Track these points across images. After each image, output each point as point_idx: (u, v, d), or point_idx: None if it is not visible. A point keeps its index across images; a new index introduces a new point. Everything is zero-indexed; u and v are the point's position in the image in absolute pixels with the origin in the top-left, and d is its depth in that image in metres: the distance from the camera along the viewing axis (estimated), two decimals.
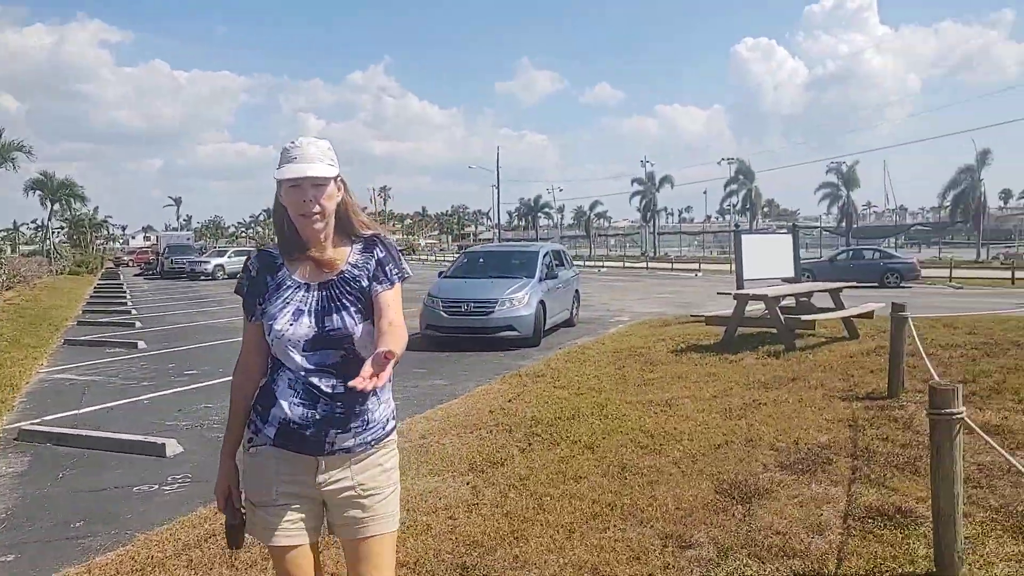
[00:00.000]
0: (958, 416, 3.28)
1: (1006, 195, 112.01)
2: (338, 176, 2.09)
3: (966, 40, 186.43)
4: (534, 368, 9.19)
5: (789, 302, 11.60)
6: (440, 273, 13.55)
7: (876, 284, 25.41)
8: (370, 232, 2.18)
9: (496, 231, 78.28)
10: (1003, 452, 3.26)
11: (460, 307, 11.30)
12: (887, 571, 3.48)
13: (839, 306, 11.06)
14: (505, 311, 11.20)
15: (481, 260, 13.73)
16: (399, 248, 2.25)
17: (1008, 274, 28.89)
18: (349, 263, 2.12)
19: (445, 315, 11.37)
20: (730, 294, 10.62)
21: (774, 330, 10.25)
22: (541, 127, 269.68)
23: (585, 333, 13.10)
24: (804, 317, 9.94)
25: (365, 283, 2.09)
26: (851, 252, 30.34)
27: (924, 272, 28.94)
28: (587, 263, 53.88)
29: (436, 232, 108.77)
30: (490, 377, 8.82)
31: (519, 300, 11.37)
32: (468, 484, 4.82)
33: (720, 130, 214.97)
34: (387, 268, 2.12)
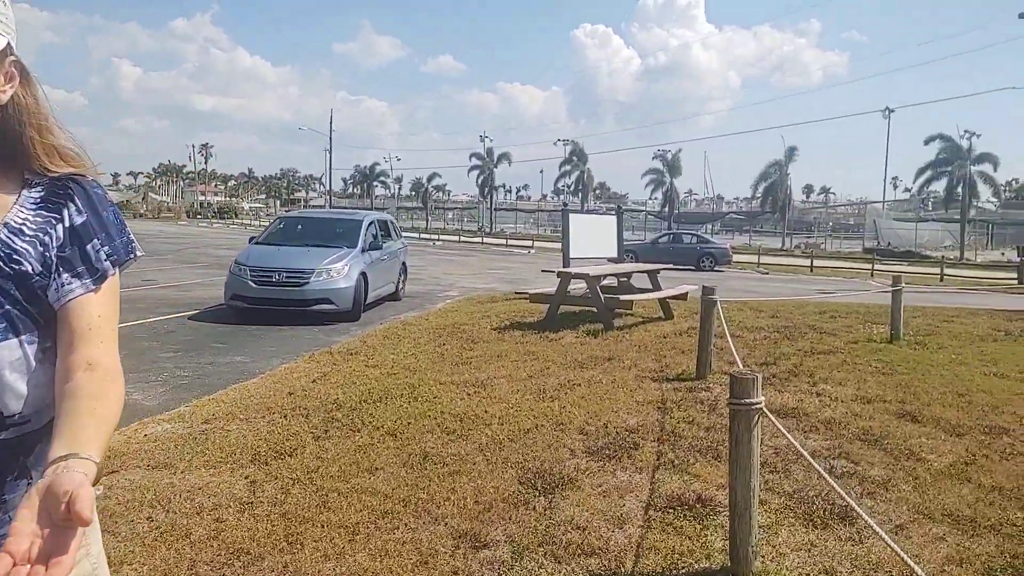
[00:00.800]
0: (757, 406, 3.16)
1: (808, 190, 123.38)
2: (11, 52, 1.15)
3: (780, 44, 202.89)
4: (348, 345, 8.61)
5: (610, 282, 11.75)
6: (251, 239, 12.47)
7: (693, 267, 26.85)
8: (66, 171, 1.22)
9: (328, 197, 75.59)
10: (796, 444, 3.17)
11: (271, 276, 10.41)
12: (684, 567, 3.34)
13: (656, 287, 11.33)
14: (322, 282, 10.46)
15: (299, 227, 12.80)
16: (113, 206, 1.28)
17: (808, 262, 31.60)
18: (8, 222, 1.16)
19: (253, 284, 10.43)
20: (554, 272, 10.55)
21: (595, 309, 10.30)
22: (381, 93, 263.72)
23: (411, 308, 12.64)
24: (623, 297, 10.06)
25: (31, 266, 1.14)
26: (671, 236, 31.90)
27: (736, 257, 31.01)
28: (423, 236, 53.29)
29: (263, 196, 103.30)
30: (298, 354, 8.15)
31: (338, 271, 10.67)
32: (246, 479, 4.24)
33: (558, 111, 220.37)
34: (89, 244, 1.20)
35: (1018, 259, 23.95)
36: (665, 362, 7.82)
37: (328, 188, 77.93)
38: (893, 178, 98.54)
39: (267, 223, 21.04)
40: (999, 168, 41.44)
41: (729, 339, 6.87)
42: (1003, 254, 39.89)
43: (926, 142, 41.26)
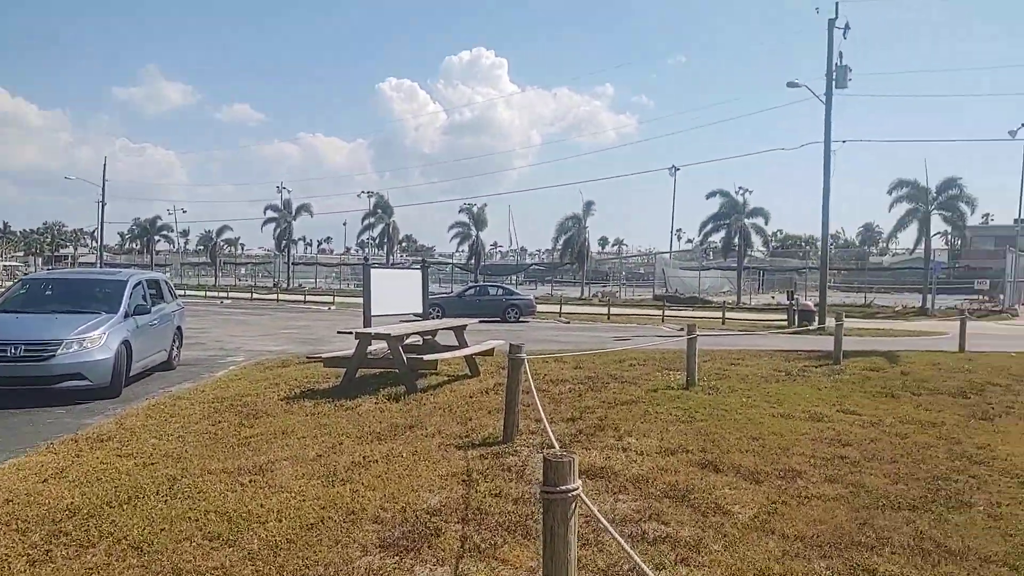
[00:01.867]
0: (574, 493, 2.71)
1: (603, 241, 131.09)
2: None
3: (577, 105, 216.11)
4: (100, 429, 7.28)
5: (415, 340, 11.18)
6: None
7: (499, 319, 26.96)
8: None
9: (99, 254, 68.70)
10: (620, 540, 2.75)
11: (5, 351, 8.72)
12: None
13: (462, 344, 10.90)
14: (72, 355, 8.90)
15: (47, 290, 10.97)
16: None
17: (605, 310, 32.98)
18: None
19: None
20: (351, 332, 9.79)
21: (397, 371, 9.65)
22: (168, 142, 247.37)
23: (186, 378, 11.24)
24: (427, 357, 9.49)
25: None
26: (478, 288, 32.01)
27: (540, 307, 31.66)
28: (209, 293, 49.84)
29: (21, 253, 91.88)
30: (33, 444, 6.73)
31: (93, 340, 9.18)
32: None
33: (363, 163, 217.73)
34: None
35: (788, 302, 26.38)
36: (471, 425, 7.32)
37: (100, 243, 70.74)
38: (678, 230, 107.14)
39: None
40: (769, 221, 46.19)
41: (536, 396, 6.54)
42: (773, 298, 44.25)
43: (707, 196, 45.08)
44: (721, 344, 16.55)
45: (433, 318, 17.40)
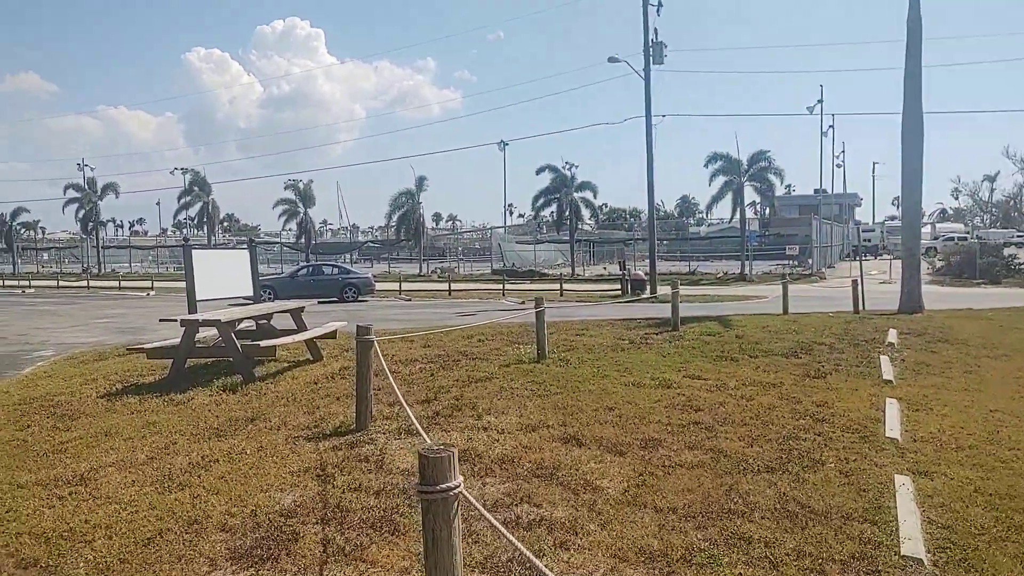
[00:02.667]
0: (455, 491, 2.47)
1: (437, 217, 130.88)
2: None
3: (400, 80, 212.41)
4: None
5: (248, 325, 10.43)
6: None
7: (336, 299, 26.05)
8: None
9: None
10: (509, 536, 2.55)
11: None
12: None
13: (301, 327, 10.29)
14: None
15: None
16: None
17: (446, 286, 32.84)
18: None
19: None
20: (176, 320, 8.94)
21: (231, 359, 8.93)
22: None
23: None
24: (264, 343, 8.83)
25: None
26: (311, 268, 30.72)
27: (379, 285, 30.95)
28: (8, 282, 44.67)
29: None
30: None
31: None
32: None
33: (173, 138, 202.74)
34: None
35: (620, 272, 27.44)
36: (319, 415, 6.87)
37: None
38: (510, 205, 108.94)
39: None
40: (597, 195, 47.81)
41: (391, 378, 6.23)
42: (605, 268, 46.00)
43: (538, 172, 45.84)
44: (564, 316, 16.87)
45: (265, 301, 16.45)
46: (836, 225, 50.76)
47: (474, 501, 2.63)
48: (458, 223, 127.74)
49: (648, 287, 25.21)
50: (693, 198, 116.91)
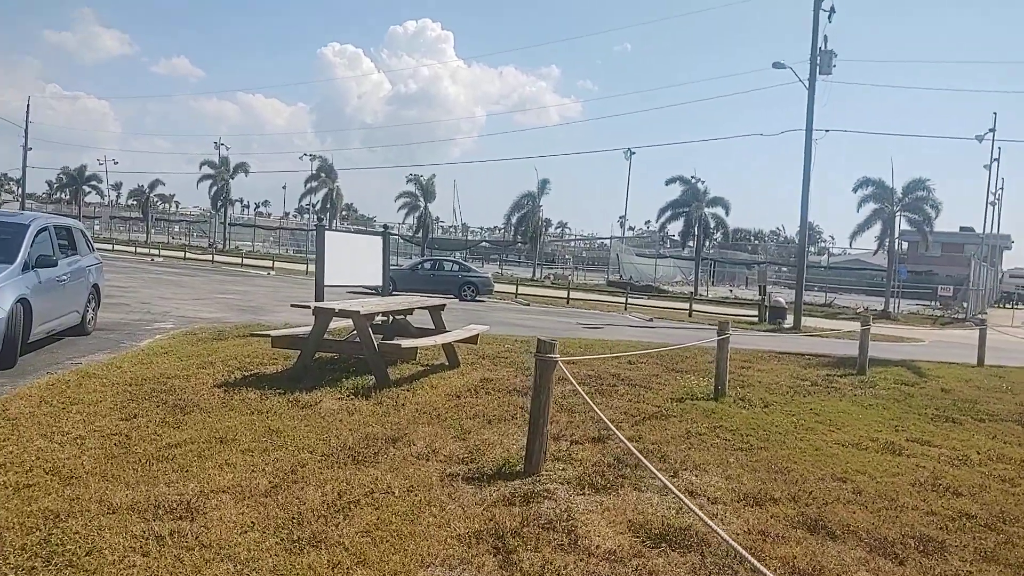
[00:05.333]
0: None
1: (547, 223, 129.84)
2: None
3: (523, 85, 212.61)
4: None
5: (380, 319, 9.31)
6: None
7: (455, 296, 25.09)
8: None
9: (21, 201, 63.74)
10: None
11: None
12: None
13: (440, 327, 9.08)
14: None
15: None
16: None
17: (564, 293, 31.42)
18: None
19: None
20: (308, 307, 7.87)
21: (363, 356, 7.78)
22: (102, 91, 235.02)
23: (102, 346, 9.17)
24: (406, 344, 7.61)
25: None
26: (432, 263, 29.89)
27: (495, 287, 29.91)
28: (139, 250, 46.49)
29: None
30: None
31: None
32: None
33: (303, 128, 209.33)
34: None
35: (759, 297, 25.25)
36: (472, 443, 5.56)
37: (22, 190, 65.72)
38: (621, 217, 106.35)
39: None
40: (729, 212, 44.97)
41: (597, 409, 4.84)
42: (731, 290, 43.42)
43: (667, 183, 43.61)
44: (706, 340, 15.10)
45: (392, 295, 15.49)
46: (988, 267, 46.24)
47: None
48: (567, 231, 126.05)
49: (790, 317, 22.96)
50: (817, 225, 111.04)
